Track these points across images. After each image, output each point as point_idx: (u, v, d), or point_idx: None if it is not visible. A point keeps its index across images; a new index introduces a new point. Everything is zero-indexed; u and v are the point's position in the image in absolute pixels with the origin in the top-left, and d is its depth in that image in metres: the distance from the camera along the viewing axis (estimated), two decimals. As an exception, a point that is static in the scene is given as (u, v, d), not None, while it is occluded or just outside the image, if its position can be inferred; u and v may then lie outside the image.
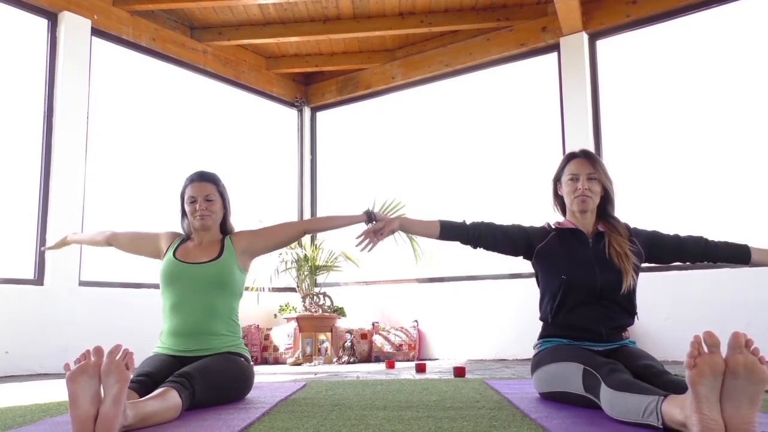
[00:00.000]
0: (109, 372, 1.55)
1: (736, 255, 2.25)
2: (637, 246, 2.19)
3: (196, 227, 2.44)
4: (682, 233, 2.28)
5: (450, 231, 2.30)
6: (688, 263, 2.29)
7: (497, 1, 5.36)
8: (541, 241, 2.25)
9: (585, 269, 2.13)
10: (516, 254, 2.31)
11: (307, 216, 6.56)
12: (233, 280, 2.42)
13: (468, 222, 2.31)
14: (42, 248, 2.97)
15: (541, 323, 2.28)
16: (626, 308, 2.15)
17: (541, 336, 2.24)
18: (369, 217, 2.51)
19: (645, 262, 2.24)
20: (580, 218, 2.25)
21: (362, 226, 2.47)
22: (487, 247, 2.30)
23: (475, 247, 2.32)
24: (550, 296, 2.19)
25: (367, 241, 2.37)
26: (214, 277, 2.36)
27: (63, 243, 2.99)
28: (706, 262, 2.28)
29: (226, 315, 2.39)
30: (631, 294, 2.14)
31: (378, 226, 2.36)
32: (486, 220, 2.32)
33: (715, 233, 4.48)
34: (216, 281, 2.36)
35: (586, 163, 2.21)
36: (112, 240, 2.66)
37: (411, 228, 2.40)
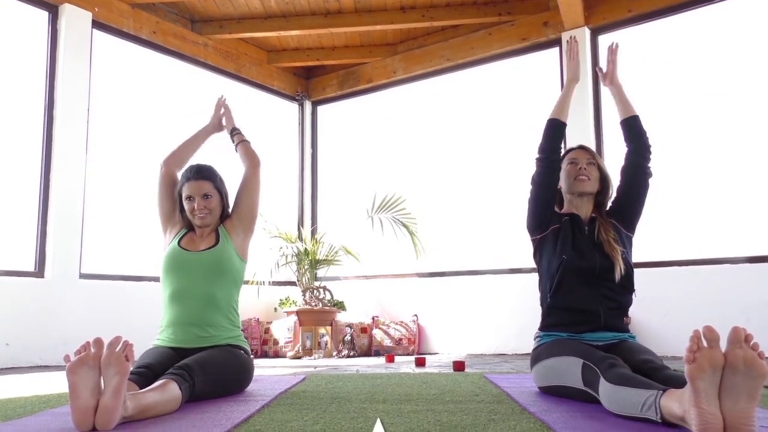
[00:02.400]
0: (108, 363, 1.56)
1: (631, 130, 2.31)
2: (620, 229, 2.24)
3: (197, 224, 2.45)
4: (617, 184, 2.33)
5: (560, 131, 2.30)
6: (644, 189, 2.26)
7: (499, -5, 5.35)
8: (557, 224, 2.28)
9: (585, 253, 2.17)
10: (541, 211, 2.28)
11: (307, 212, 6.57)
12: (232, 267, 2.42)
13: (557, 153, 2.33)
14: (222, 98, 2.81)
15: (540, 312, 2.29)
16: (625, 286, 2.16)
17: (541, 327, 2.26)
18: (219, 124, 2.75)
19: (634, 230, 2.28)
20: (577, 203, 2.29)
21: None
22: (546, 175, 2.27)
23: (546, 159, 2.27)
24: (549, 275, 2.22)
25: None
26: (213, 264, 2.36)
27: (221, 111, 2.79)
28: (647, 163, 2.27)
29: (226, 305, 2.39)
30: (629, 272, 2.16)
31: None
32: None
33: (715, 229, 4.48)
34: (215, 268, 2.36)
35: (584, 152, 2.31)
36: (175, 164, 2.57)
37: (566, 92, 2.39)
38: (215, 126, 2.78)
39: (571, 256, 2.17)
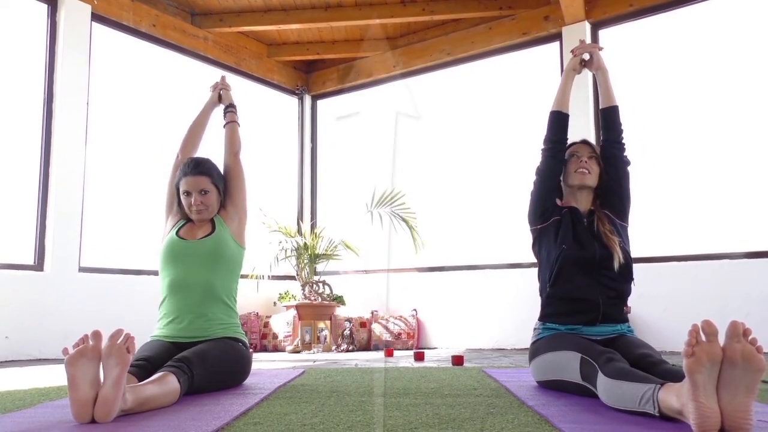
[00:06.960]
0: (110, 355, 1.56)
1: (607, 120, 2.34)
2: (614, 220, 2.25)
3: (194, 219, 2.45)
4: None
5: (563, 122, 2.34)
6: (625, 177, 2.30)
7: (500, -11, 5.33)
8: (558, 216, 2.29)
9: (585, 243, 2.18)
10: (544, 200, 2.29)
11: (307, 207, 6.57)
12: (229, 253, 2.41)
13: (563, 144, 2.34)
14: (222, 78, 2.90)
15: (540, 302, 2.30)
16: (624, 275, 2.17)
17: (541, 317, 2.27)
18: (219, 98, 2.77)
19: (627, 218, 2.30)
20: (577, 196, 2.30)
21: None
22: (550, 164, 2.29)
23: (551, 150, 2.29)
24: (549, 265, 2.23)
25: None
26: (210, 251, 2.35)
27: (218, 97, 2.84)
28: (620, 140, 2.31)
29: (224, 294, 2.38)
30: (628, 261, 2.17)
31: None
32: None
33: (715, 224, 4.47)
34: (213, 255, 2.35)
35: (586, 146, 2.32)
36: (190, 149, 2.64)
37: (565, 82, 2.50)
38: (214, 101, 2.79)
39: (572, 247, 2.18)
